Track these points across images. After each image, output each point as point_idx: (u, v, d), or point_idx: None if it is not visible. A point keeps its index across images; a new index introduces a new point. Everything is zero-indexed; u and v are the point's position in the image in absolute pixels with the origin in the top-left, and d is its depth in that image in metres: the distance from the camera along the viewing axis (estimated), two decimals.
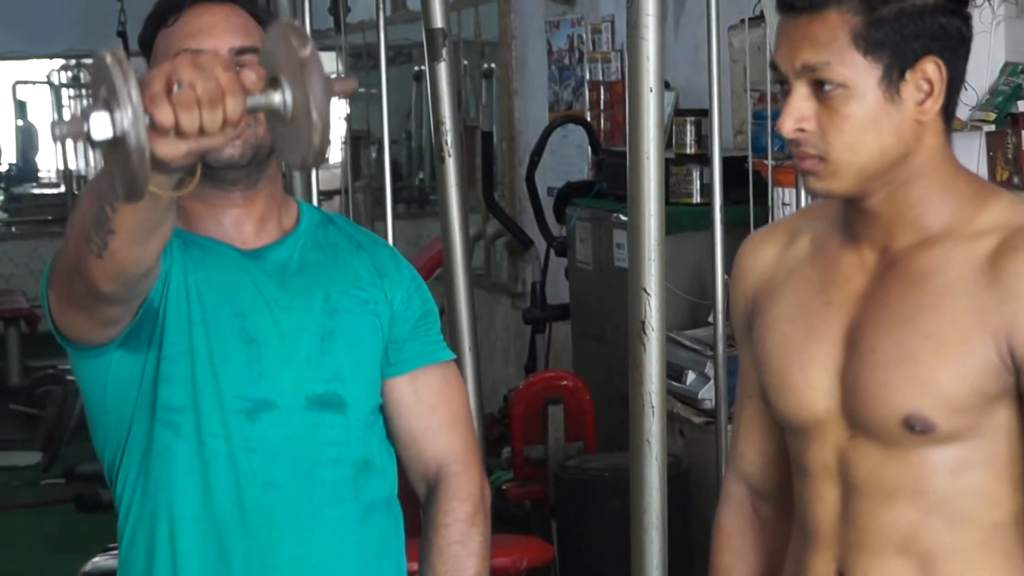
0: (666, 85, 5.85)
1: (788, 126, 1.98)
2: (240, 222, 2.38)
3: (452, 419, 2.50)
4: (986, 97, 4.77)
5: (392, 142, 5.33)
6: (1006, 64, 4.77)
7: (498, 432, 6.09)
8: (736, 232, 4.66)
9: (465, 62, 8.94)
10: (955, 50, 1.98)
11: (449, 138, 4.87)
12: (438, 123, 4.89)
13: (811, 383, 2.07)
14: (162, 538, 2.31)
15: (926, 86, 1.96)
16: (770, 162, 4.41)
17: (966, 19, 2.00)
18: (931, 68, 1.96)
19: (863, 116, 1.96)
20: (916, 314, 1.98)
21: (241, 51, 2.31)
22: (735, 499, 2.34)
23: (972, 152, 4.79)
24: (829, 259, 2.11)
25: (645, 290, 3.50)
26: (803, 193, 4.11)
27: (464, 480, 2.48)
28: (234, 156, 2.30)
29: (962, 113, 4.74)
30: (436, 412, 2.49)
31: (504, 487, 5.50)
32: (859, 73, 1.95)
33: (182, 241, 2.32)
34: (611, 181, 5.96)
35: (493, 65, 8.64)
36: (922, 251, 2.01)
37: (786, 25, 1.99)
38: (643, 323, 3.50)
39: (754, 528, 2.32)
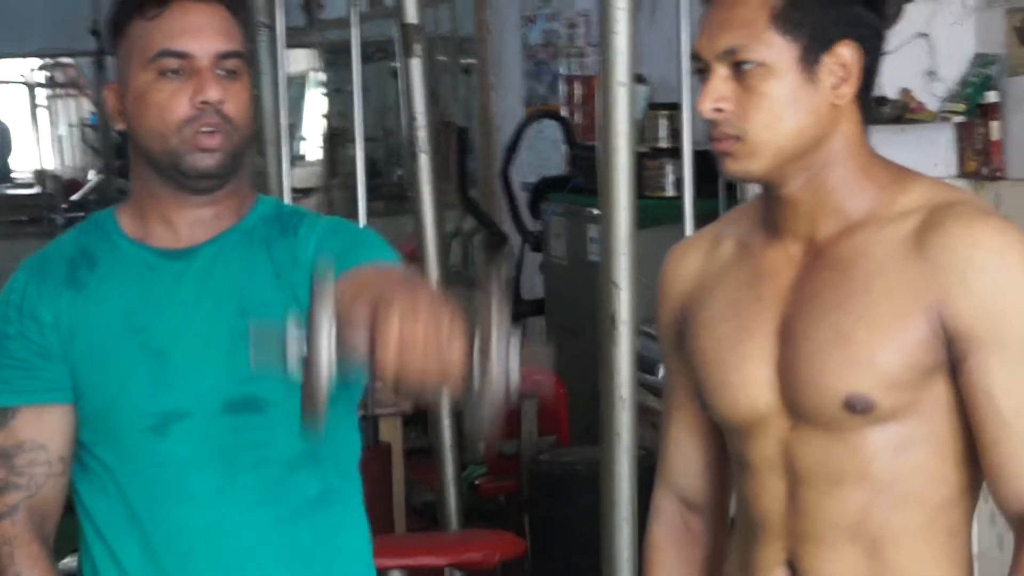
0: (641, 79, 5.87)
1: (707, 106, 1.99)
2: (189, 222, 2.32)
3: (381, 269, 2.29)
4: (956, 88, 4.78)
5: (370, 139, 5.32)
6: (976, 55, 4.78)
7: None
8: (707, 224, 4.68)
9: (443, 58, 8.93)
10: (871, 41, 2.01)
11: (422, 134, 4.87)
12: (411, 119, 4.90)
13: (749, 379, 2.07)
14: (101, 553, 2.33)
15: (841, 71, 1.97)
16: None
17: (882, 15, 2.02)
18: (848, 53, 1.97)
19: (781, 94, 1.96)
20: (847, 297, 1.99)
21: (225, 55, 2.25)
22: (666, 513, 2.32)
23: (942, 143, 4.81)
24: (755, 257, 2.10)
25: (615, 283, 3.51)
26: None
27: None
28: (211, 167, 2.24)
29: (932, 104, 4.76)
30: (360, 272, 2.32)
31: (477, 482, 5.49)
32: (777, 52, 1.96)
33: (70, 271, 2.31)
34: (586, 176, 5.95)
35: (472, 60, 8.64)
36: (846, 238, 2.02)
37: (709, 12, 2.02)
38: (613, 317, 3.51)
39: (686, 541, 2.31)
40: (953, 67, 4.79)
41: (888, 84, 4.73)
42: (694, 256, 2.20)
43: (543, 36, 7.56)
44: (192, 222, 2.31)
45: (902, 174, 2.06)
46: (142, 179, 2.32)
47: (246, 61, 2.30)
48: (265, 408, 2.29)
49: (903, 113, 4.69)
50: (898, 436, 2.00)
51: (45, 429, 2.29)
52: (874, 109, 2.07)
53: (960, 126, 4.76)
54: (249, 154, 2.39)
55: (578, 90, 7.10)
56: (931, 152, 4.79)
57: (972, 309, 1.93)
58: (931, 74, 4.79)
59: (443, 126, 8.07)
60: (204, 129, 2.22)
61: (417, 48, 4.87)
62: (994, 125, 4.66)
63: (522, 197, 6.90)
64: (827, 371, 1.99)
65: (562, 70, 7.33)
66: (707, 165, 4.58)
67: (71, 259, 2.33)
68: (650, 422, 4.93)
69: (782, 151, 1.98)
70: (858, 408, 1.98)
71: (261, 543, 2.30)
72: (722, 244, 2.17)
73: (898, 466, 2.01)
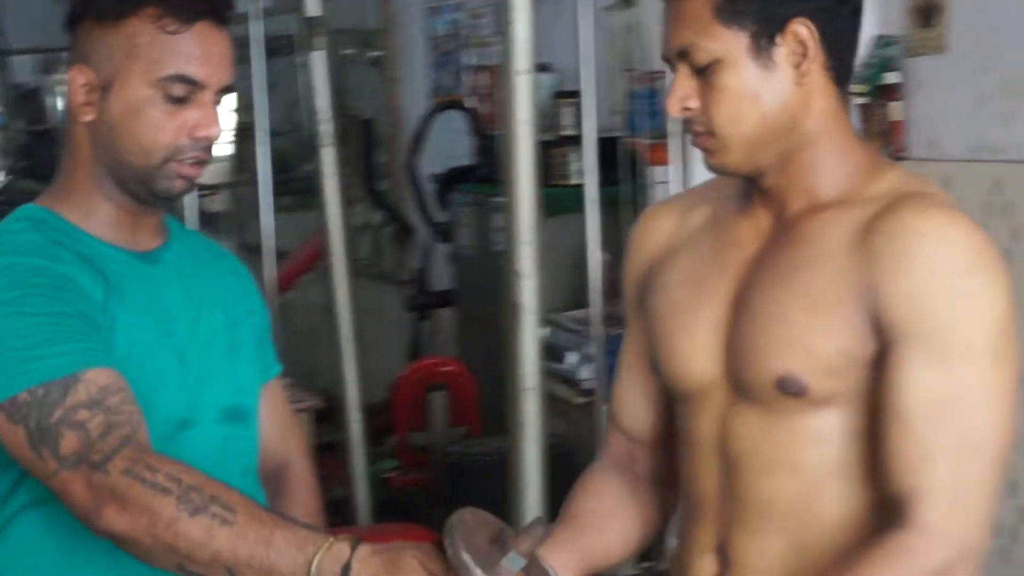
0: (547, 68, 5.86)
1: (673, 107, 1.98)
2: (145, 226, 2.26)
3: (292, 421, 2.53)
4: (857, 70, 4.80)
5: (280, 133, 5.29)
6: (876, 37, 4.80)
7: (383, 421, 6.07)
8: (613, 212, 4.68)
9: (349, 51, 8.89)
10: (831, 9, 1.96)
11: (326, 127, 4.85)
12: (315, 113, 4.87)
13: (697, 348, 2.05)
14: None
15: (799, 49, 1.94)
16: (644, 141, 4.42)
17: None
18: (801, 30, 1.93)
19: (739, 87, 1.94)
20: (794, 274, 1.96)
21: (228, 89, 2.18)
22: (611, 449, 2.28)
23: None
24: (726, 226, 2.09)
25: (519, 273, 3.50)
26: (676, 170, 4.13)
27: (307, 474, 2.50)
28: (182, 191, 2.19)
29: None
30: (282, 414, 2.50)
31: (389, 475, 5.48)
32: (726, 45, 1.94)
33: (103, 278, 2.17)
34: (492, 166, 5.95)
35: (380, 53, 8.60)
36: (812, 216, 1.99)
37: (665, 11, 2.00)
38: (517, 306, 3.50)
39: (628, 483, 2.24)
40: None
41: None
42: (666, 219, 2.19)
43: (448, 27, 7.53)
44: (148, 227, 2.26)
45: (880, 161, 2.03)
46: (94, 180, 2.21)
47: None
48: (248, 417, 2.32)
49: None
50: (832, 426, 1.96)
51: (116, 377, 2.08)
52: (848, 71, 2.00)
53: (862, 107, 4.78)
54: None
55: (484, 80, 7.08)
56: None
57: (901, 300, 1.88)
58: None
59: (349, 119, 8.04)
60: (191, 160, 2.16)
61: (319, 41, 4.84)
62: (895, 106, 4.68)
63: (430, 188, 6.88)
64: (764, 348, 1.96)
65: (468, 60, 7.31)
66: (610, 152, 4.63)
67: (71, 255, 2.17)
68: (558, 411, 4.93)
69: (752, 141, 1.97)
70: (790, 389, 1.94)
71: None
72: (696, 210, 2.16)
73: (833, 458, 1.96)
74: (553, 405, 4.15)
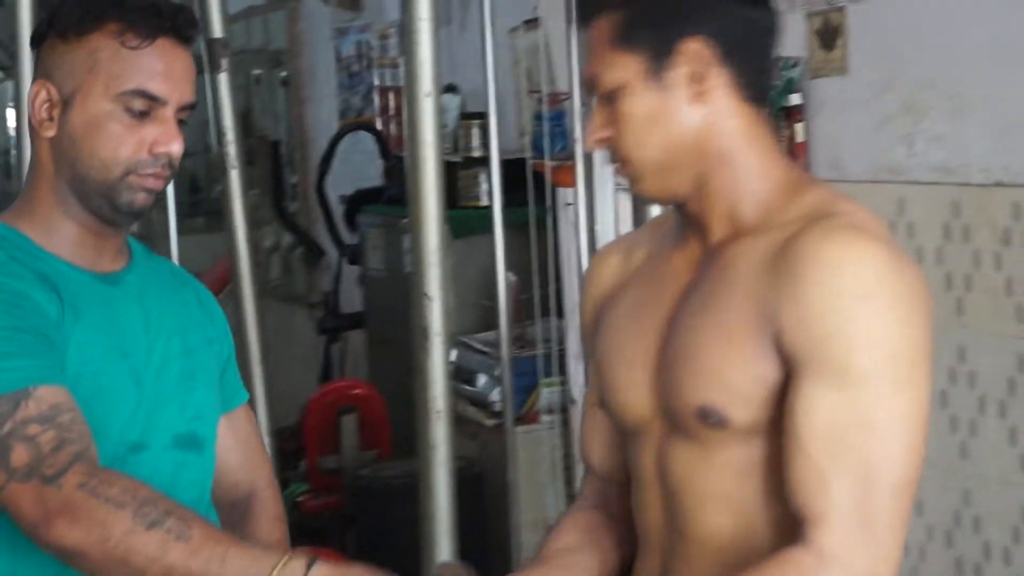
0: (453, 89, 5.87)
1: (589, 140, 2.00)
2: (109, 247, 2.27)
3: (260, 449, 2.52)
4: None
5: (190, 154, 5.26)
6: (779, 59, 4.84)
7: (294, 444, 6.05)
8: (521, 233, 4.69)
9: (258, 71, 8.86)
10: (732, 27, 1.95)
11: (232, 149, 4.83)
12: (221, 134, 4.85)
13: (633, 382, 2.05)
14: None
15: (695, 68, 1.94)
16: (548, 162, 4.43)
17: None
18: (693, 48, 1.93)
19: (640, 111, 1.95)
20: (711, 302, 1.95)
21: (189, 106, 2.21)
22: (584, 489, 2.27)
23: None
24: (663, 260, 2.09)
25: (427, 295, 3.50)
26: (581, 192, 4.14)
27: (275, 501, 2.50)
28: (145, 205, 2.20)
29: None
30: (249, 443, 2.49)
31: (300, 499, 5.45)
32: (624, 71, 1.95)
33: (57, 297, 2.17)
34: (400, 187, 5.93)
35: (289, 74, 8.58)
36: (735, 242, 1.97)
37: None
38: (426, 328, 3.50)
39: (602, 522, 2.22)
40: None
41: None
42: (613, 260, 2.20)
43: (356, 48, 7.52)
44: (111, 248, 2.27)
45: (802, 180, 2.01)
46: (56, 196, 2.22)
47: None
48: (203, 446, 2.32)
49: None
50: (761, 457, 1.94)
51: (68, 397, 2.08)
52: (763, 88, 1.99)
53: None
54: None
55: (393, 101, 7.08)
56: None
57: (798, 327, 1.86)
58: None
59: (257, 141, 8.01)
60: (151, 172, 2.18)
61: (224, 63, 4.82)
62: (798, 127, 4.72)
63: (339, 210, 6.86)
64: (685, 380, 1.96)
65: (376, 81, 7.30)
66: (518, 174, 4.64)
67: (29, 272, 2.17)
68: (468, 433, 4.93)
69: (661, 165, 1.96)
70: (711, 420, 1.93)
71: None
72: (639, 249, 2.17)
73: (765, 489, 1.94)
74: (463, 427, 4.16)
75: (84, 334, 2.17)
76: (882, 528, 1.84)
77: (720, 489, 1.97)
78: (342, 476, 5.39)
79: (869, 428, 1.84)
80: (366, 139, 7.06)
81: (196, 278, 2.49)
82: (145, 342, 2.26)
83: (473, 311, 5.41)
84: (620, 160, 1.99)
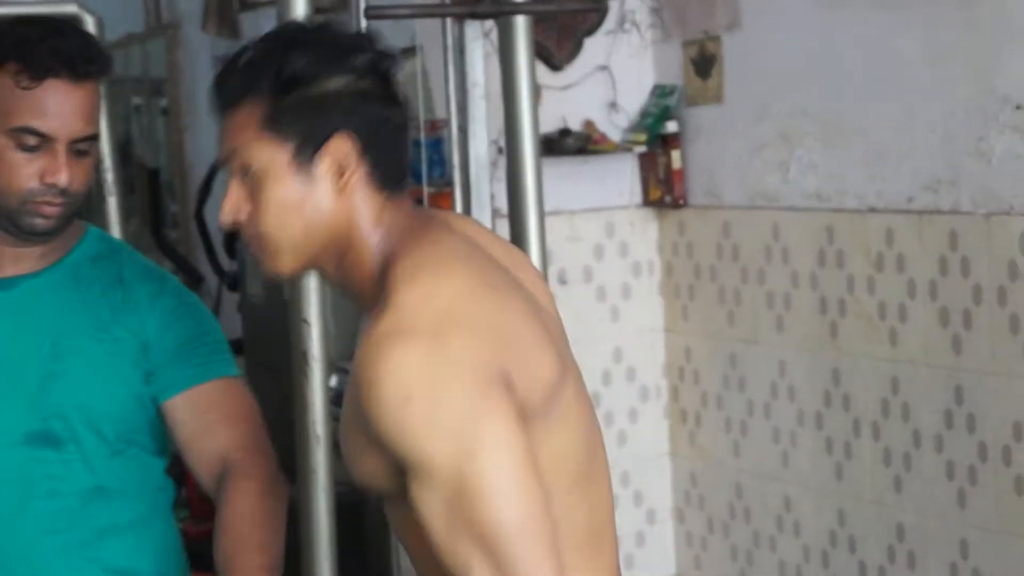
0: None
1: (225, 219, 2.03)
2: (13, 257, 2.48)
3: (231, 417, 2.57)
4: (637, 119, 4.90)
5: None
6: (655, 86, 4.90)
7: (175, 471, 6.01)
8: None
9: (138, 99, 8.82)
10: (369, 124, 2.01)
11: (110, 176, 4.80)
12: (99, 162, 4.82)
13: None
14: None
15: (338, 162, 2.00)
16: (425, 188, 4.45)
17: (383, 96, 2.02)
18: (341, 144, 1.99)
19: (282, 196, 1.99)
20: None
21: (81, 139, 2.37)
22: None
23: (625, 173, 4.91)
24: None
25: (306, 321, 3.51)
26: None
27: (248, 463, 2.55)
28: (47, 228, 2.41)
29: (615, 135, 4.87)
30: (211, 412, 2.55)
31: (182, 526, 5.40)
32: (271, 156, 1.98)
33: None
34: None
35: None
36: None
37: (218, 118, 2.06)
38: (305, 353, 3.51)
39: None
40: (634, 98, 4.91)
41: (572, 116, 4.83)
42: None
43: None
44: (16, 257, 2.48)
45: (391, 263, 2.01)
46: None
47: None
48: (62, 444, 2.45)
49: (586, 144, 4.78)
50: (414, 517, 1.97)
51: None
52: (395, 176, 2.04)
53: (642, 156, 4.87)
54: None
55: None
56: (615, 182, 4.90)
57: (386, 440, 1.90)
58: (613, 105, 4.90)
59: (136, 169, 7.96)
60: (44, 200, 2.39)
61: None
62: (675, 154, 4.78)
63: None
64: (346, 449, 2.04)
65: None
66: None
67: None
68: None
69: (299, 248, 2.01)
70: (371, 489, 2.02)
71: (51, 569, 2.44)
72: None
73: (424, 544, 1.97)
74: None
75: None
76: (524, 568, 1.89)
77: (414, 543, 2.04)
78: None
79: (466, 499, 1.88)
80: None
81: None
82: (7, 344, 2.44)
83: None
84: (254, 237, 2.03)
